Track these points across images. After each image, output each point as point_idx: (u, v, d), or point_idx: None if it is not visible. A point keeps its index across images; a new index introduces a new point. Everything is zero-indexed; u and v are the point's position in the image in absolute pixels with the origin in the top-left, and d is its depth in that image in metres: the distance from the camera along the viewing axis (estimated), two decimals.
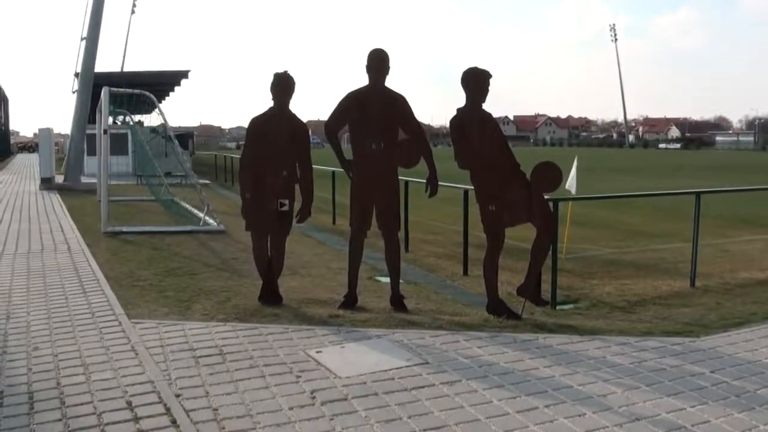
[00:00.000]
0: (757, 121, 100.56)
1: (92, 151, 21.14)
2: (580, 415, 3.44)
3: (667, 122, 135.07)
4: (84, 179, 20.74)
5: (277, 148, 5.63)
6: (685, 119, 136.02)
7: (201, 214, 11.55)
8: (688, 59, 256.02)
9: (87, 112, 21.14)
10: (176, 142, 13.15)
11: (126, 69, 33.15)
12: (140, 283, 6.57)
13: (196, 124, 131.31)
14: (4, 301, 5.80)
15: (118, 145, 20.26)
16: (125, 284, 6.51)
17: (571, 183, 8.53)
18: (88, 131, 21.37)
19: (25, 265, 7.48)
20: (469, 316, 5.44)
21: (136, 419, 3.36)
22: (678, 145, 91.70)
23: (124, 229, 10.43)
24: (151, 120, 22.34)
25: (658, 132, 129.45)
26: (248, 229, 5.89)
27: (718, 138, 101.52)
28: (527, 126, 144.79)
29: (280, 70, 5.70)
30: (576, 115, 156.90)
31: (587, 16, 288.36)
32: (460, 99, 5.47)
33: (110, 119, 15.21)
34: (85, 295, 5.99)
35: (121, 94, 13.20)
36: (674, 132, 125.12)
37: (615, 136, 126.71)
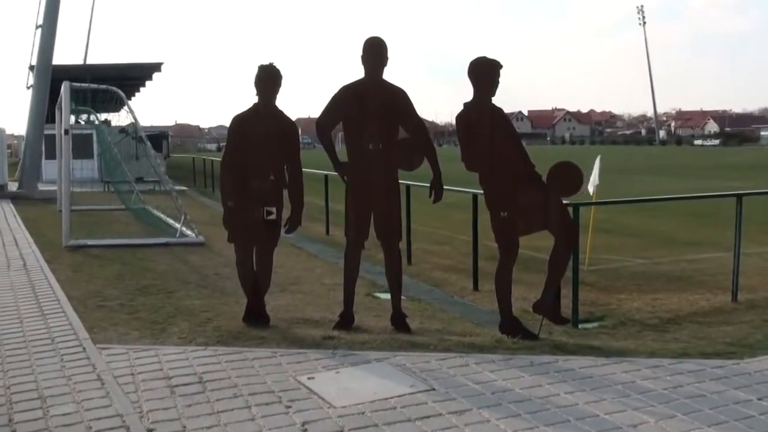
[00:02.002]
0: None
1: (51, 155, 21.17)
2: None
3: (703, 116, 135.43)
4: (42, 186, 20.77)
5: (263, 150, 5.66)
6: (725, 112, 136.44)
7: (177, 225, 11.57)
8: (728, 44, 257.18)
9: (45, 110, 21.17)
10: (148, 143, 13.19)
11: (90, 61, 33.13)
12: (108, 304, 6.59)
13: (170, 123, 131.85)
14: None
15: (81, 147, 20.29)
16: (90, 305, 6.52)
17: (592, 182, 8.56)
18: (47, 132, 21.41)
19: None
20: (479, 337, 5.45)
21: None
22: (716, 142, 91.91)
23: (89, 242, 10.44)
24: (119, 119, 22.33)
25: (694, 127, 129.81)
26: (231, 240, 5.91)
27: (763, 132, 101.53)
28: (544, 122, 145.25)
29: (266, 62, 5.74)
30: (599, 110, 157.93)
31: None
32: (467, 93, 5.51)
33: (72, 118, 15.28)
34: (43, 318, 5.99)
35: (84, 90, 13.24)
36: (712, 126, 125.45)
37: (644, 132, 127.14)
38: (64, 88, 12.05)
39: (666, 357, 4.85)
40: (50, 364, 4.73)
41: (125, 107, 13.75)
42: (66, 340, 5.32)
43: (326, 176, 12.20)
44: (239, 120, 5.79)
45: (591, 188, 8.59)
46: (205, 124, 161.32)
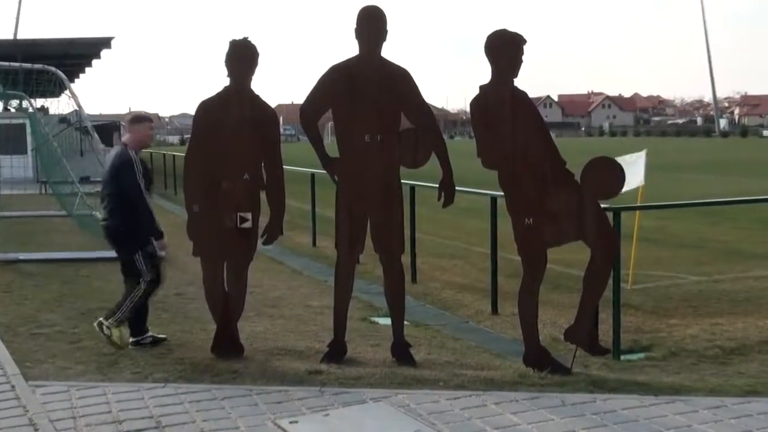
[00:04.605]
0: None
1: None
2: None
3: None
4: None
5: (236, 143, 5.68)
6: None
7: None
8: None
9: None
10: (96, 135, 13.22)
11: (21, 36, 33.23)
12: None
13: (123, 111, 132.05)
14: None
15: (11, 140, 20.37)
16: (22, 333, 6.52)
17: (636, 176, 8.53)
18: None
19: None
20: (499, 371, 5.46)
21: None
22: None
23: (21, 256, 10.45)
24: (59, 106, 22.44)
25: (763, 114, 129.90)
26: (197, 253, 5.92)
27: None
28: (577, 109, 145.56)
29: (239, 37, 5.76)
30: (645, 94, 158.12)
31: None
32: (484, 74, 5.53)
33: None
34: None
35: (14, 70, 13.28)
36: None
37: (700, 120, 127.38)
38: None
39: (729, 395, 4.86)
40: None
41: (66, 91, 13.81)
42: None
43: (312, 175, 12.20)
44: (207, 107, 5.80)
45: (627, 188, 8.58)
46: (165, 113, 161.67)
